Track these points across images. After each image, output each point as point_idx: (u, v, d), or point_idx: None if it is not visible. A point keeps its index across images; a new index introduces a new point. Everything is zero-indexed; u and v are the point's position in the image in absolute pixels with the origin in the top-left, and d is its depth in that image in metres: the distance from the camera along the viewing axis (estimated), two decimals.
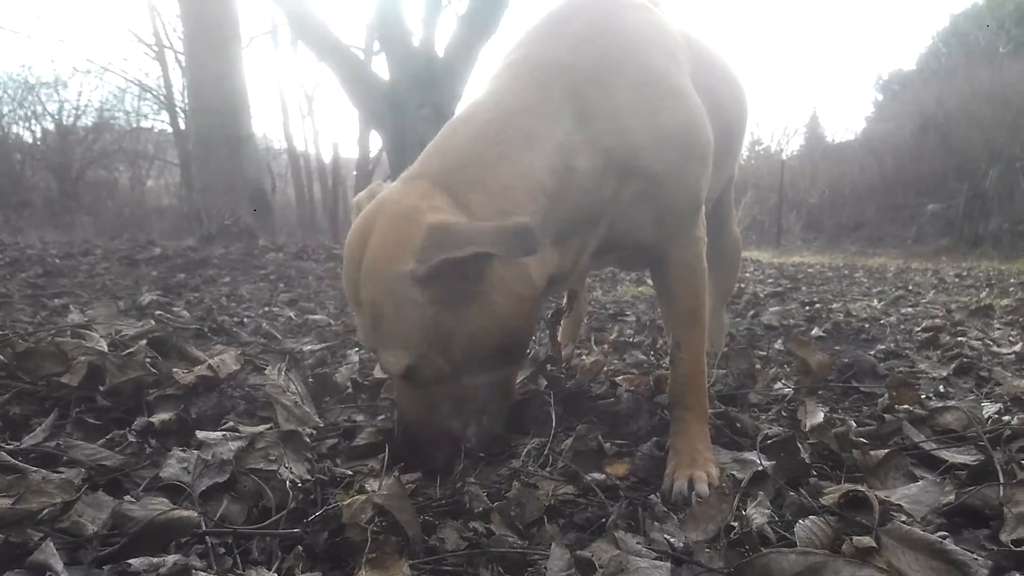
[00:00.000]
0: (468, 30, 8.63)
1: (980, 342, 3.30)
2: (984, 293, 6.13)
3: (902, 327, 3.91)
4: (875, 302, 5.33)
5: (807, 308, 4.78)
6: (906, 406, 1.93)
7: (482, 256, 1.22)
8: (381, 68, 9.38)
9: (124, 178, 18.58)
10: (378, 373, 2.23)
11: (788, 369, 2.51)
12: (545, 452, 1.67)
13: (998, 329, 3.87)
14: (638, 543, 1.21)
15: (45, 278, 4.93)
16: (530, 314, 1.43)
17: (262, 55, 45.10)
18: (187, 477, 1.37)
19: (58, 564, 1.01)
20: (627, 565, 1.10)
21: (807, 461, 1.53)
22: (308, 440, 1.61)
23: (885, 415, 1.88)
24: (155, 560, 1.05)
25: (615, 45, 1.52)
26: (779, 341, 3.05)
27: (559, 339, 2.33)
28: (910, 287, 6.84)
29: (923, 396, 2.06)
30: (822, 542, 1.17)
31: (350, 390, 2.15)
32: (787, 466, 1.51)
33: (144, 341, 2.11)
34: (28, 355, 1.84)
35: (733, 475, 1.50)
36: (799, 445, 1.57)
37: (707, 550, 1.19)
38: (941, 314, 4.47)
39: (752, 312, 4.46)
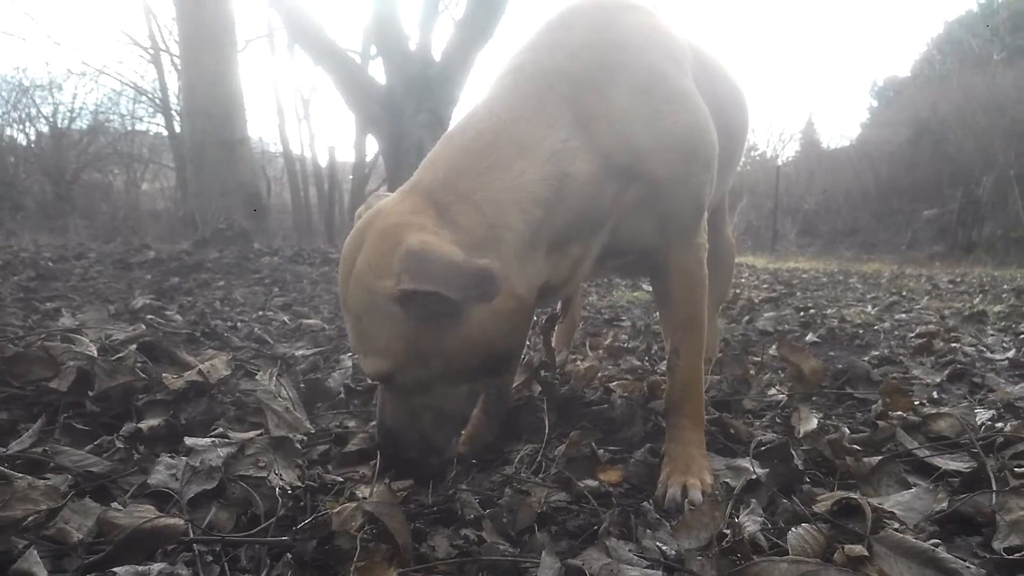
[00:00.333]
0: (465, 35, 8.63)
1: (974, 348, 3.30)
2: (978, 299, 6.14)
3: (896, 333, 3.91)
4: (869, 308, 5.33)
5: (801, 314, 4.78)
6: (899, 412, 1.93)
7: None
8: (378, 72, 9.36)
9: (119, 181, 18.53)
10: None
11: (782, 375, 2.50)
12: (538, 458, 1.67)
13: (991, 335, 3.87)
14: (630, 551, 1.20)
15: (38, 281, 4.91)
16: (516, 329, 1.41)
17: (259, 59, 45.17)
18: (175, 484, 1.36)
19: (42, 572, 1.00)
20: (618, 573, 1.10)
21: (800, 468, 1.53)
22: (299, 446, 1.60)
23: (878, 421, 1.87)
24: (140, 568, 1.04)
25: (616, 49, 1.51)
26: (773, 347, 3.05)
27: (553, 345, 2.32)
28: (904, 293, 6.85)
29: (916, 402, 2.06)
30: (814, 550, 1.17)
31: (342, 395, 2.14)
32: (780, 473, 1.51)
33: (134, 346, 2.10)
34: (17, 360, 1.82)
35: (726, 482, 1.49)
36: (792, 452, 1.56)
37: (699, 558, 1.18)
38: (935, 320, 4.47)
39: (747, 318, 4.46)
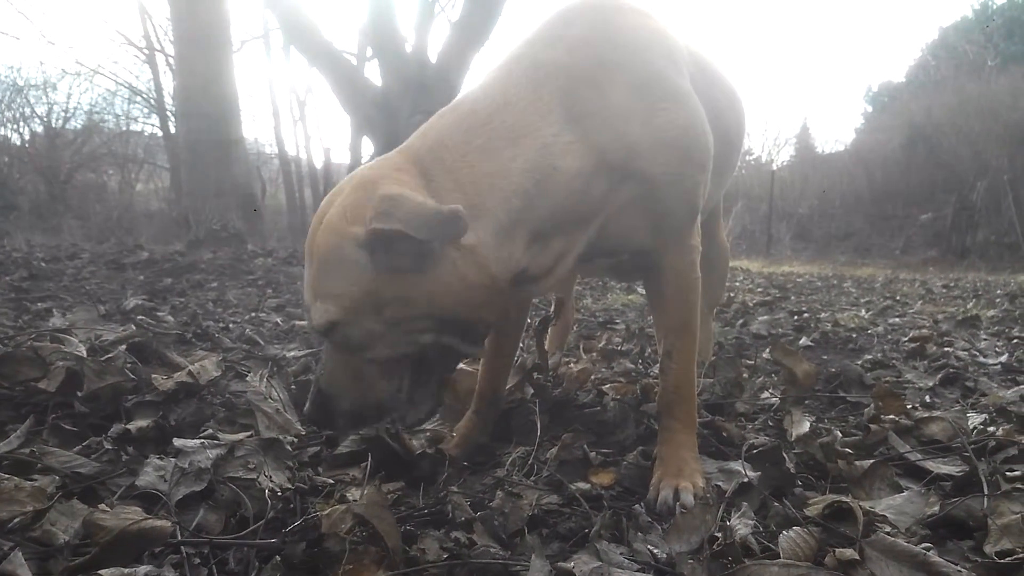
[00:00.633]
0: (461, 37, 8.62)
1: (966, 353, 3.31)
2: (971, 304, 6.16)
3: (889, 337, 3.92)
4: (863, 312, 5.34)
5: (795, 318, 4.79)
6: (892, 416, 1.93)
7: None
8: (374, 74, 9.35)
9: (113, 182, 18.46)
10: None
11: (775, 378, 2.50)
12: (530, 461, 1.66)
13: (984, 340, 3.88)
14: (621, 554, 1.19)
15: (30, 281, 4.88)
16: (481, 305, 1.38)
17: (254, 60, 45.12)
18: (164, 485, 1.35)
19: (26, 574, 0.99)
20: None
21: (792, 471, 1.53)
22: (289, 448, 1.59)
23: (871, 425, 1.87)
24: (127, 571, 1.03)
25: (614, 48, 1.50)
26: (767, 350, 3.05)
27: (546, 347, 2.32)
28: (898, 297, 6.86)
29: (909, 406, 2.06)
30: (806, 553, 1.16)
31: None
32: (772, 476, 1.50)
33: (124, 347, 2.08)
34: (6, 360, 1.81)
35: (718, 485, 1.49)
36: (785, 455, 1.56)
37: (690, 561, 1.17)
38: (928, 325, 4.48)
39: (741, 321, 4.46)
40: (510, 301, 1.73)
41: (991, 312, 5.32)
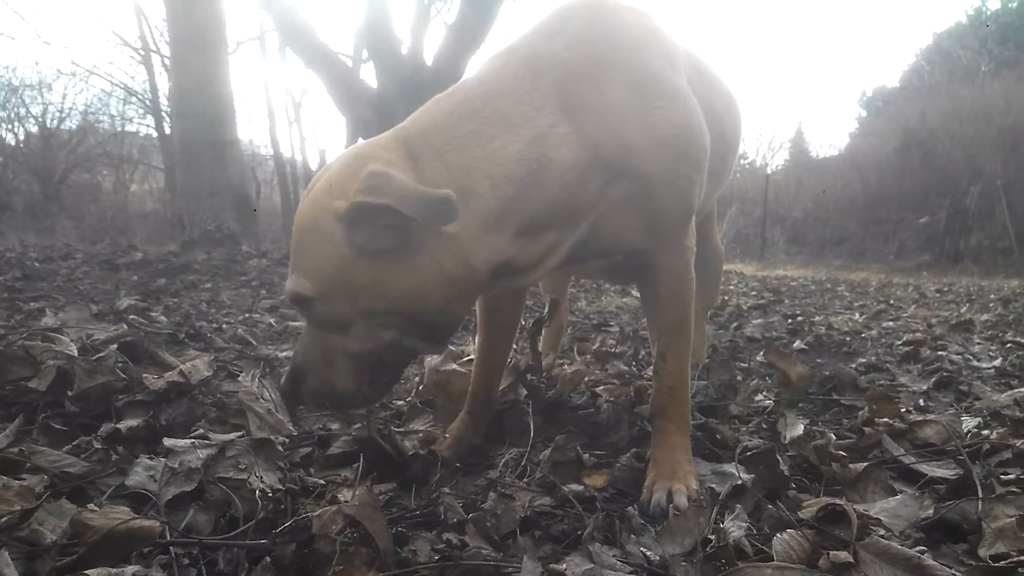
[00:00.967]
0: (457, 39, 8.63)
1: (960, 356, 3.31)
2: (964, 308, 6.17)
3: (883, 341, 3.92)
4: (857, 316, 5.35)
5: (790, 321, 4.79)
6: (886, 419, 1.93)
7: (399, 213, 1.20)
8: (369, 76, 9.35)
9: (107, 182, 18.41)
10: None
11: (769, 381, 2.50)
12: (523, 462, 1.65)
13: (978, 344, 3.89)
14: (614, 556, 1.19)
15: (23, 281, 4.86)
16: (458, 297, 1.36)
17: (250, 61, 45.10)
18: (153, 485, 1.34)
19: (13, 574, 0.98)
20: None
21: (786, 474, 1.52)
22: (281, 448, 1.58)
23: (865, 428, 1.87)
24: (114, 571, 1.02)
25: (612, 45, 1.50)
26: (761, 353, 3.05)
27: (540, 348, 2.31)
28: (892, 301, 6.88)
29: (903, 409, 2.06)
30: (799, 556, 1.16)
31: None
32: (766, 479, 1.50)
33: (115, 346, 2.07)
34: None
35: (712, 488, 1.48)
36: (778, 457, 1.55)
37: (683, 564, 1.17)
38: (922, 328, 4.49)
39: (735, 324, 4.46)
40: (500, 295, 1.73)
41: (984, 316, 5.34)
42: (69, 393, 1.74)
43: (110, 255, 6.90)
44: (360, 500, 1.22)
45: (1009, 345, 3.81)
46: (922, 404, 2.34)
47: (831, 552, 1.15)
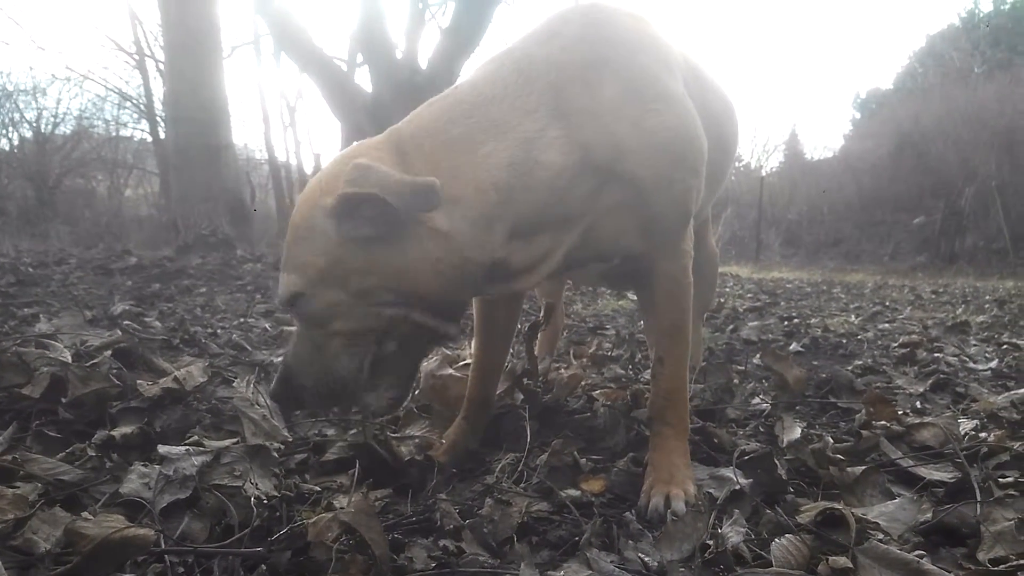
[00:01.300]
0: (451, 43, 8.63)
1: (956, 358, 3.31)
2: (960, 310, 6.19)
3: (879, 343, 3.92)
4: (853, 318, 5.36)
5: (785, 323, 4.80)
6: (883, 422, 1.92)
7: (384, 201, 1.22)
8: (364, 80, 9.35)
9: (102, 187, 18.34)
10: None
11: (766, 384, 2.50)
12: (520, 468, 1.64)
13: (974, 345, 3.89)
14: (611, 562, 1.18)
15: (17, 287, 4.84)
16: (449, 285, 1.35)
17: (244, 65, 45.05)
18: (148, 493, 1.33)
19: None
20: None
21: (784, 478, 1.52)
22: (276, 455, 1.57)
23: (862, 431, 1.87)
24: None
25: (609, 48, 1.49)
26: (757, 356, 3.05)
27: (536, 352, 2.30)
28: (887, 303, 6.89)
29: (900, 412, 2.06)
30: (798, 561, 1.15)
31: None
32: (764, 483, 1.49)
33: (109, 352, 2.06)
34: None
35: (710, 492, 1.48)
36: (776, 461, 1.55)
37: (682, 569, 1.16)
38: (918, 330, 4.50)
39: (731, 327, 4.46)
40: (497, 299, 1.72)
41: (980, 318, 5.35)
42: (63, 400, 1.73)
43: (104, 260, 6.88)
44: (356, 507, 1.21)
45: (1005, 346, 3.82)
46: (919, 406, 2.33)
47: (830, 557, 1.15)
